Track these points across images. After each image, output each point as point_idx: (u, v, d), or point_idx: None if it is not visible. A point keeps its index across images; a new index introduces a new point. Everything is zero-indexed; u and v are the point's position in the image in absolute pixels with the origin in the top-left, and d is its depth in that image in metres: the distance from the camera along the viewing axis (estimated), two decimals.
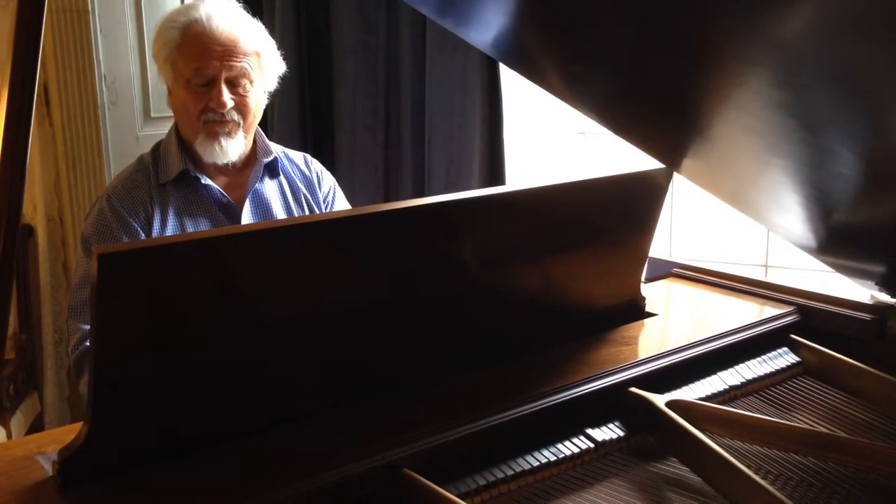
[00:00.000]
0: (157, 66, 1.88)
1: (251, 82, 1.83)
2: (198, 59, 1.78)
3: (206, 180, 1.85)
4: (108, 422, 0.98)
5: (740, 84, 1.15)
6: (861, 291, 1.56)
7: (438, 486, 1.02)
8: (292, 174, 1.98)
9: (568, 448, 1.16)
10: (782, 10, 0.92)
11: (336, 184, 2.05)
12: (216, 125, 1.80)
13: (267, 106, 1.94)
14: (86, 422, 0.98)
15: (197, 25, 1.79)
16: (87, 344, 1.69)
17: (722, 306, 1.59)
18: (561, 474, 1.13)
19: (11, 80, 0.93)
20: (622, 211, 1.43)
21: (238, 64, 1.80)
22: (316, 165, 2.04)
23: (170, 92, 1.88)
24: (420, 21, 2.89)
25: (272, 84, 1.93)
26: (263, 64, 1.87)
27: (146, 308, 0.97)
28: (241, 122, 1.83)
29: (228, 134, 1.81)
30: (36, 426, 2.81)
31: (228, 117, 1.80)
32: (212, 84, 1.79)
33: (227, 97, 1.79)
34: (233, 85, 1.81)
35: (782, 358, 1.44)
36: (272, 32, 1.93)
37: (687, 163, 1.47)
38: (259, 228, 1.09)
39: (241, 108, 1.82)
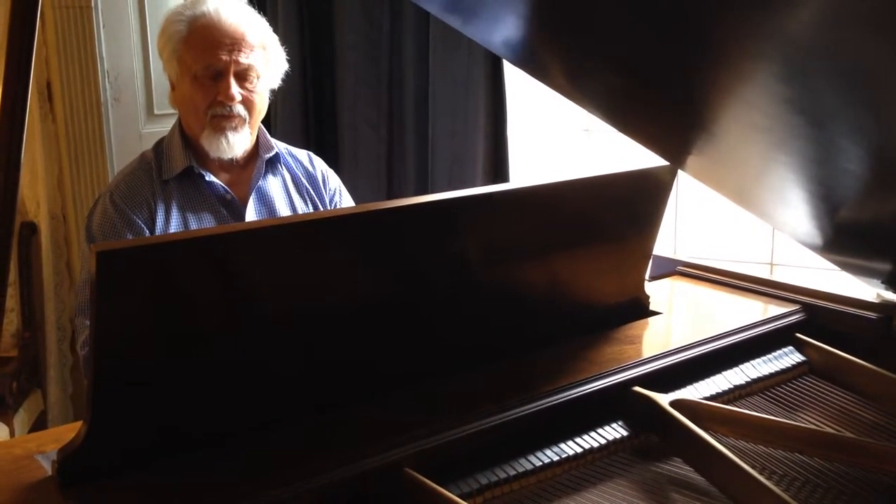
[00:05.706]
0: (161, 60, 1.87)
1: (258, 77, 1.83)
2: (206, 52, 1.77)
3: (209, 177, 1.85)
4: (107, 421, 0.98)
5: (746, 79, 1.14)
6: (867, 290, 1.55)
7: (440, 485, 1.02)
8: (294, 169, 1.97)
9: (571, 448, 1.15)
10: (789, 4, 0.90)
11: (341, 183, 2.05)
12: (223, 119, 1.80)
13: (270, 101, 1.94)
14: (85, 421, 0.98)
15: (204, 18, 1.79)
16: None
17: (726, 305, 1.58)
18: (564, 474, 1.12)
19: (6, 70, 0.93)
20: (626, 208, 1.42)
21: (247, 56, 1.80)
22: (320, 164, 2.03)
23: (173, 87, 1.88)
24: (424, 17, 2.88)
25: (276, 81, 1.93)
26: (269, 58, 1.87)
27: (146, 306, 0.96)
28: (247, 118, 1.83)
29: (235, 129, 1.81)
30: (39, 424, 2.81)
31: (235, 112, 1.80)
32: (220, 77, 1.79)
33: (236, 90, 1.79)
34: (241, 79, 1.81)
35: (787, 357, 1.43)
36: (275, 28, 1.93)
37: (692, 160, 1.45)
38: (261, 226, 1.09)
39: (248, 103, 1.82)
